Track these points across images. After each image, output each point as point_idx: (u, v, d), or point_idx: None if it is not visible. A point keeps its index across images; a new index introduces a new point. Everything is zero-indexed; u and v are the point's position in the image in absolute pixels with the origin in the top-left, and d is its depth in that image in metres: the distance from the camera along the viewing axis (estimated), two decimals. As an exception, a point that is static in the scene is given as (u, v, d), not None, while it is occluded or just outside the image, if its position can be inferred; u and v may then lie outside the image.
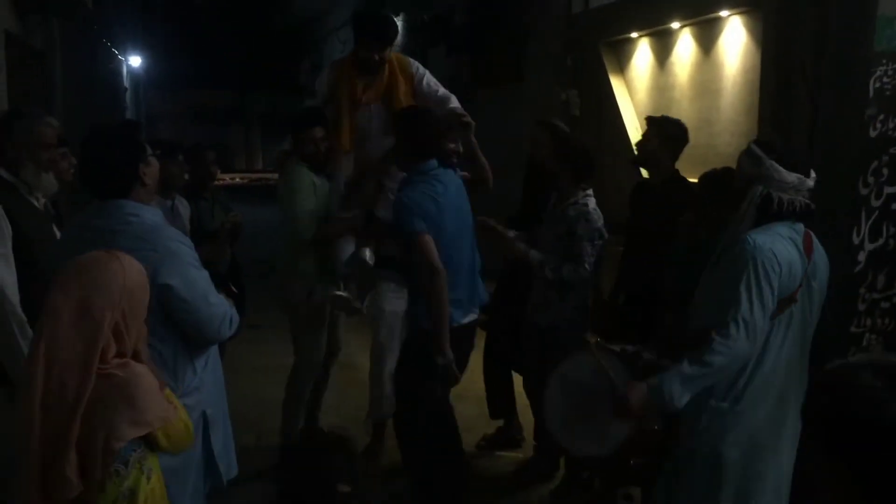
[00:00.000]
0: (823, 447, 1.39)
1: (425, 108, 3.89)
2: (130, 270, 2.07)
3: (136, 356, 2.09)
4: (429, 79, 4.31)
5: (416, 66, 4.31)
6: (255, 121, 33.24)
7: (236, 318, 2.70)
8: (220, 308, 2.61)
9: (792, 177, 2.58)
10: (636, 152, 4.14)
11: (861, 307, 3.85)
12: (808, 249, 2.63)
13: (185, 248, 2.53)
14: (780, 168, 2.59)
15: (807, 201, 2.62)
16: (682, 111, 5.97)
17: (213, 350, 2.71)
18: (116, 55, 15.68)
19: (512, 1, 8.82)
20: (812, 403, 1.45)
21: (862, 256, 3.77)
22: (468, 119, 4.13)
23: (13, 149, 3.26)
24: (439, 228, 3.52)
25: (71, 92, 8.13)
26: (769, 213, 2.60)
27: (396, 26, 4.38)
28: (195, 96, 31.14)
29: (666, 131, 4.00)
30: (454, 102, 4.28)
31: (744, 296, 2.52)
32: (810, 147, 4.47)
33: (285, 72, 25.38)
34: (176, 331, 2.55)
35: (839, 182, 3.87)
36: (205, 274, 2.58)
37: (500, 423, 4.85)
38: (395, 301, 4.30)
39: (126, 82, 18.54)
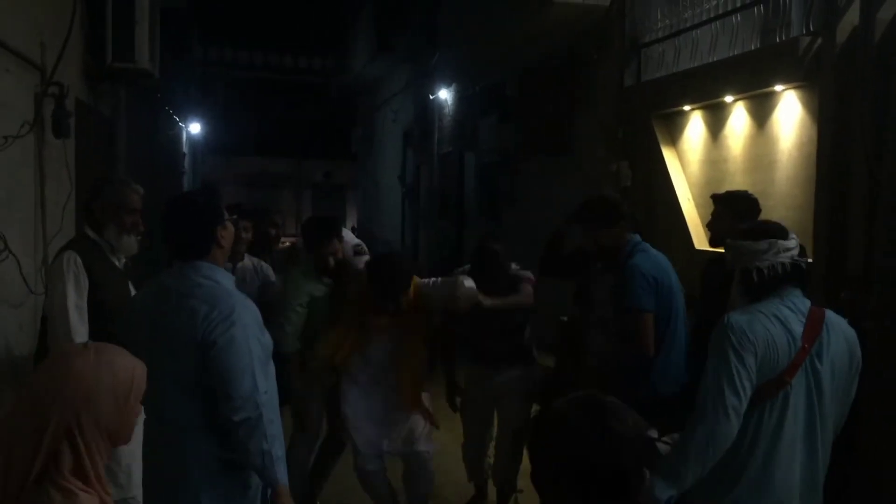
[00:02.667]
0: (539, 480, 1.54)
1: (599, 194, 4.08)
2: (101, 370, 1.66)
3: (98, 479, 1.66)
4: (427, 281, 4.31)
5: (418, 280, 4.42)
6: (307, 186, 33.91)
7: (267, 428, 2.48)
8: (255, 393, 2.45)
9: (762, 244, 2.54)
10: (709, 233, 4.11)
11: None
12: (813, 328, 2.48)
13: (248, 317, 2.52)
14: (747, 241, 2.58)
15: (790, 261, 2.53)
16: (736, 184, 5.92)
17: (278, 418, 2.65)
18: (177, 122, 16.22)
19: (562, 74, 8.95)
20: (531, 438, 1.61)
21: (928, 334, 3.66)
22: (479, 300, 4.12)
23: (100, 211, 3.49)
24: (671, 297, 3.59)
25: (134, 157, 8.42)
26: (753, 287, 2.56)
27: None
28: (250, 162, 31.94)
29: (737, 207, 3.99)
30: (460, 284, 4.19)
31: (712, 375, 2.44)
32: (869, 220, 4.38)
33: (338, 139, 25.99)
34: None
35: (903, 258, 3.77)
36: (258, 350, 2.52)
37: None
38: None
39: (185, 148, 19.12)
